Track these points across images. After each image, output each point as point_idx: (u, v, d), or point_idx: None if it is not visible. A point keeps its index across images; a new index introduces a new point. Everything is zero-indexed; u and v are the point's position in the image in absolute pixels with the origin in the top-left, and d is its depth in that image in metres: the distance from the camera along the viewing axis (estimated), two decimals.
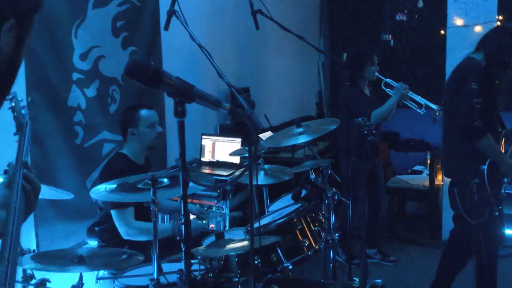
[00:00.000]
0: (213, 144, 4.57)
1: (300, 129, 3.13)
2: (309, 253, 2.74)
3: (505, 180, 3.41)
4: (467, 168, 3.33)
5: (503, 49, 3.30)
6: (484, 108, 3.24)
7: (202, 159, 4.58)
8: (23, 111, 1.63)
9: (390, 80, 4.48)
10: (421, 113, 4.33)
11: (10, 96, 1.64)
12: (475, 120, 3.21)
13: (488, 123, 3.27)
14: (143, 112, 3.21)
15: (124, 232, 3.03)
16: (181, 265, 2.31)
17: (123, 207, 3.00)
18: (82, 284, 2.39)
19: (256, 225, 2.42)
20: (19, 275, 2.51)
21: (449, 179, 3.61)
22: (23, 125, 1.56)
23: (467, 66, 3.38)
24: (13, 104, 1.61)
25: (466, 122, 3.26)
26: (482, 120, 3.22)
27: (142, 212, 3.06)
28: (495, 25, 4.71)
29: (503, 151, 3.41)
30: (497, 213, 3.31)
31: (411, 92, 4.36)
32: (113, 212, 3.04)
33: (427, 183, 5.30)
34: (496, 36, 3.36)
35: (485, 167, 3.23)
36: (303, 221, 2.79)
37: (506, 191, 3.44)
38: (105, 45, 3.79)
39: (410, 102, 4.40)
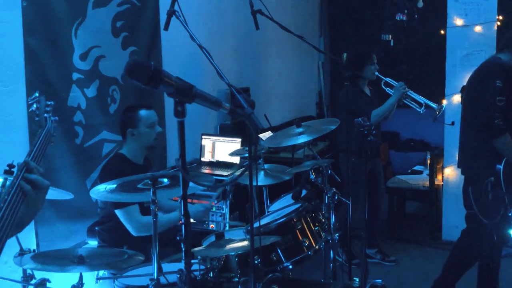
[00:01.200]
0: (213, 144, 4.57)
1: (300, 129, 3.13)
2: (309, 253, 2.74)
3: None
4: (483, 166, 3.32)
5: None
6: (506, 107, 3.24)
7: (202, 159, 4.58)
8: (45, 115, 1.62)
9: (390, 79, 4.48)
10: (421, 112, 4.33)
11: (35, 99, 1.64)
12: (496, 118, 3.20)
13: (508, 122, 3.27)
14: (142, 112, 3.21)
15: (133, 229, 3.02)
16: (181, 265, 2.31)
17: (127, 205, 3.00)
18: (82, 284, 2.39)
19: (256, 225, 2.42)
20: (19, 275, 2.52)
21: (463, 178, 3.59)
22: (43, 126, 1.56)
23: (493, 64, 3.38)
24: (36, 107, 1.61)
25: (487, 119, 3.25)
26: (502, 119, 3.21)
27: (144, 209, 3.06)
28: (495, 25, 4.73)
29: None
30: (510, 214, 3.30)
31: (411, 91, 4.36)
32: (118, 212, 3.03)
33: (427, 183, 5.31)
34: None
35: (501, 166, 3.23)
36: (303, 221, 2.79)
37: None
38: (105, 45, 3.79)
39: (410, 101, 4.40)
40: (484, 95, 3.28)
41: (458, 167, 3.69)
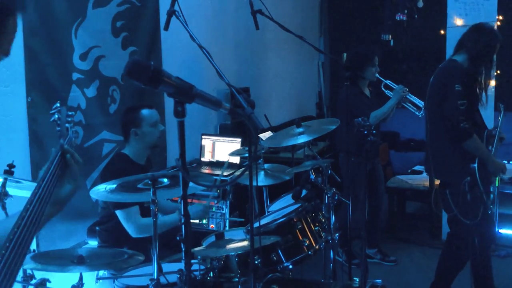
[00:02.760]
0: (213, 144, 4.57)
1: (300, 129, 3.13)
2: (309, 253, 2.74)
3: (494, 178, 3.43)
4: (457, 168, 3.35)
5: (485, 47, 3.33)
6: (469, 109, 3.26)
7: (202, 159, 4.58)
8: (67, 125, 1.63)
9: (390, 81, 4.48)
10: (420, 115, 4.33)
11: (56, 109, 1.64)
12: (461, 122, 3.25)
13: (472, 123, 3.30)
14: (145, 111, 3.22)
15: (133, 230, 3.02)
16: (181, 265, 2.31)
17: (127, 206, 3.00)
18: (82, 284, 2.39)
19: (256, 225, 2.42)
20: (19, 275, 2.51)
21: (439, 182, 3.61)
22: (64, 136, 1.57)
23: (450, 68, 3.42)
24: (57, 117, 1.61)
25: (452, 124, 3.29)
26: (467, 121, 3.24)
27: (144, 210, 3.07)
28: (495, 25, 4.73)
29: None
30: (490, 212, 3.32)
31: (410, 94, 4.36)
32: (118, 213, 3.03)
33: (427, 183, 5.30)
34: (477, 36, 3.38)
35: (475, 165, 3.25)
36: (303, 221, 2.79)
37: (504, 190, 3.45)
38: (105, 45, 3.79)
39: (409, 104, 4.40)
40: (446, 101, 3.32)
41: (427, 172, 3.71)
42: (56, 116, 1.62)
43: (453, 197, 3.36)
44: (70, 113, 1.67)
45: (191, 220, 2.82)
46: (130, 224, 3.02)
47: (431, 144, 3.57)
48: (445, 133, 3.40)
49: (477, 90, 3.39)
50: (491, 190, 3.41)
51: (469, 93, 3.31)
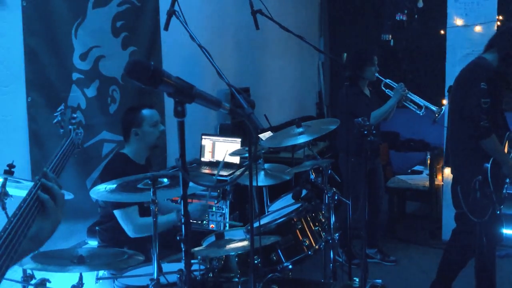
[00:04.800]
0: (213, 144, 4.57)
1: (300, 129, 3.13)
2: (309, 252, 2.74)
3: (507, 180, 3.42)
4: (471, 165, 3.34)
5: None
6: (491, 109, 3.25)
7: (202, 159, 4.58)
8: (70, 127, 1.62)
9: (390, 81, 4.48)
10: (421, 114, 4.33)
11: (59, 112, 1.63)
12: (482, 120, 3.23)
13: (493, 123, 3.29)
14: (146, 111, 3.22)
15: (130, 230, 3.02)
16: (181, 265, 2.31)
17: (126, 206, 3.00)
18: (82, 284, 2.38)
19: (256, 225, 2.42)
20: (19, 275, 2.51)
21: (452, 177, 3.62)
22: (67, 136, 1.56)
23: (478, 65, 3.40)
24: (60, 119, 1.61)
25: (473, 122, 3.28)
26: (488, 120, 3.23)
27: (143, 210, 3.06)
28: (495, 25, 4.73)
29: (506, 152, 3.43)
30: (498, 212, 3.32)
31: (410, 93, 4.36)
32: (116, 212, 3.03)
33: (427, 183, 5.31)
34: (510, 36, 3.37)
35: (489, 165, 3.24)
36: (303, 220, 2.79)
37: (507, 191, 3.45)
38: (105, 45, 3.79)
39: (410, 103, 4.40)
40: (470, 97, 3.31)
41: (446, 165, 3.70)
42: (60, 118, 1.62)
43: (463, 194, 3.35)
44: (74, 115, 1.67)
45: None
46: (128, 223, 3.02)
47: (451, 138, 3.57)
48: (464, 129, 3.39)
49: (503, 90, 3.38)
50: (504, 192, 3.41)
51: (494, 92, 3.28)
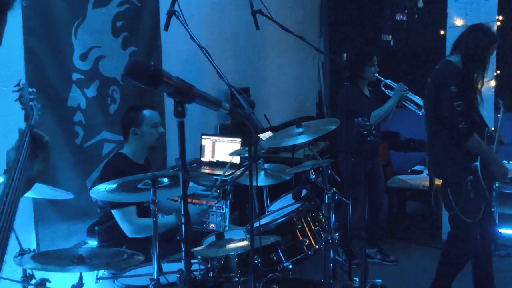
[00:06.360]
0: (213, 144, 4.57)
1: (300, 129, 3.13)
2: (309, 252, 2.74)
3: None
4: (459, 167, 3.35)
5: (478, 46, 3.34)
6: (466, 109, 3.27)
7: (202, 159, 4.58)
8: (31, 103, 1.63)
9: (390, 81, 4.48)
10: (421, 114, 4.34)
11: (18, 87, 1.64)
12: (459, 123, 3.26)
13: (471, 122, 3.30)
14: (147, 112, 3.22)
15: (128, 230, 3.02)
16: (181, 265, 2.31)
17: (124, 206, 3.00)
18: (82, 284, 2.38)
19: (256, 225, 2.42)
20: (19, 275, 2.51)
21: (441, 181, 3.62)
22: (29, 115, 1.58)
23: (445, 70, 3.43)
24: (21, 94, 1.62)
25: (451, 126, 3.30)
26: (465, 121, 3.25)
27: (143, 210, 3.07)
28: (495, 25, 4.73)
29: None
30: (493, 209, 3.33)
31: (410, 93, 4.36)
32: (115, 212, 3.03)
33: (427, 183, 5.30)
34: (470, 36, 3.40)
35: (478, 163, 3.25)
36: (303, 220, 2.79)
37: (504, 190, 3.46)
38: (105, 45, 3.79)
39: (410, 103, 4.40)
40: (442, 102, 3.33)
41: (429, 171, 3.71)
42: (19, 95, 1.63)
43: (454, 196, 3.36)
44: (31, 90, 1.68)
45: None
46: (126, 223, 3.02)
47: (431, 145, 3.58)
48: (444, 133, 3.41)
49: (474, 89, 3.40)
50: (494, 187, 3.43)
51: (466, 93, 3.31)
